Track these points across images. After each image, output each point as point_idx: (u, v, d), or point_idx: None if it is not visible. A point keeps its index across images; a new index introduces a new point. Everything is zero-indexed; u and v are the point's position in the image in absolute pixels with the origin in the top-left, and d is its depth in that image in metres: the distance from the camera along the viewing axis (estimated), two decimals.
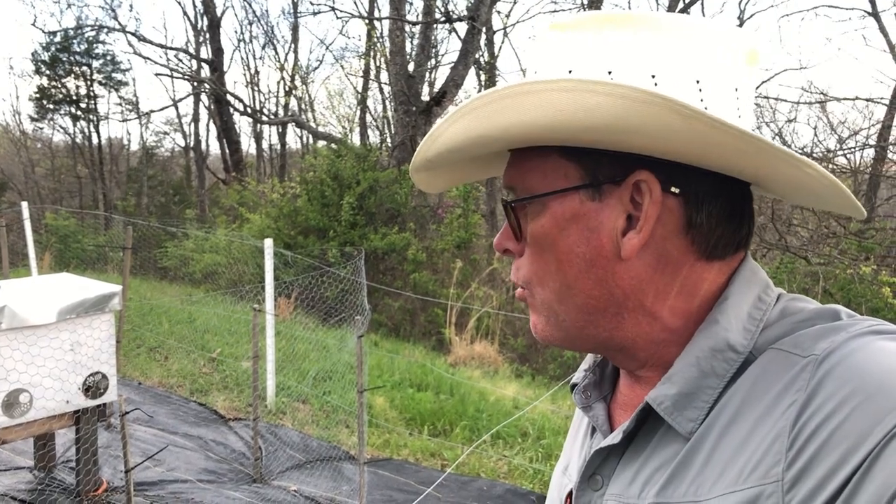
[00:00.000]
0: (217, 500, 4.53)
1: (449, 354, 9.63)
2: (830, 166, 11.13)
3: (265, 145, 25.86)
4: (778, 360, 0.65)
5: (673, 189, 0.69)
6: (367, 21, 17.44)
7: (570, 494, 0.81)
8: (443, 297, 10.81)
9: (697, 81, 0.68)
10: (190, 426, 5.74)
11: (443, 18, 15.97)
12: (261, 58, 40.28)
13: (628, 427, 0.73)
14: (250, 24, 30.05)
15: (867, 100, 12.51)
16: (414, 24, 15.72)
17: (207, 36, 21.56)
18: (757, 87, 0.74)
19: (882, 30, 12.10)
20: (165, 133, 27.36)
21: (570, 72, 0.70)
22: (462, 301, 10.44)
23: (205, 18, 21.65)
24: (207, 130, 27.54)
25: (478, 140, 0.70)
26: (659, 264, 0.71)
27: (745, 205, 0.73)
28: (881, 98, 12.46)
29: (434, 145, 0.75)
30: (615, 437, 0.75)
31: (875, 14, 12.21)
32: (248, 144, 27.63)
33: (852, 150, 13.46)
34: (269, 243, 6.62)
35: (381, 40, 18.10)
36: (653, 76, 0.67)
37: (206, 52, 22.35)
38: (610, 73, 0.68)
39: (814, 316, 0.69)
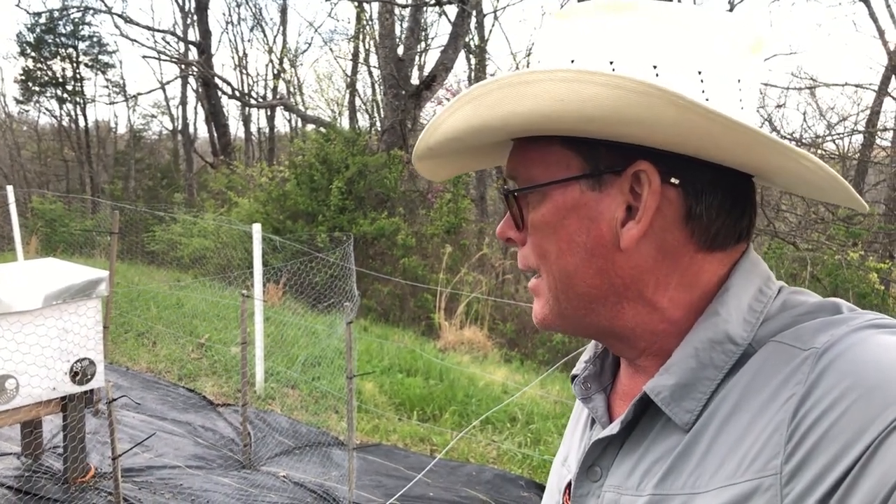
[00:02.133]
0: (206, 485, 4.52)
1: (438, 340, 9.64)
2: (819, 152, 11.16)
3: (253, 129, 25.74)
4: (778, 352, 0.65)
5: (673, 180, 0.69)
6: (356, 3, 17.30)
7: (568, 485, 0.81)
8: (432, 282, 10.80)
9: (699, 72, 0.68)
10: (178, 412, 5.72)
11: (433, 1, 15.87)
12: (249, 40, 40.05)
13: (626, 418, 0.73)
14: (238, 6, 29.84)
15: (856, 86, 12.56)
16: (403, 6, 15.61)
17: (195, 18, 21.35)
18: (761, 78, 0.74)
19: (871, 15, 12.11)
20: (153, 116, 27.21)
21: (572, 61, 0.70)
22: (451, 286, 10.44)
23: (192, 0, 21.45)
24: (195, 114, 27.46)
25: (479, 129, 0.71)
26: (659, 255, 0.71)
27: (747, 196, 0.73)
28: (870, 84, 12.50)
29: (436, 134, 0.75)
30: (613, 428, 0.75)
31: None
32: (236, 128, 27.53)
33: (841, 135, 13.53)
34: (257, 228, 6.59)
35: (370, 23, 17.98)
36: (654, 66, 0.67)
37: (193, 35, 22.14)
38: (612, 62, 0.68)
39: (815, 309, 0.69)
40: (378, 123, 18.61)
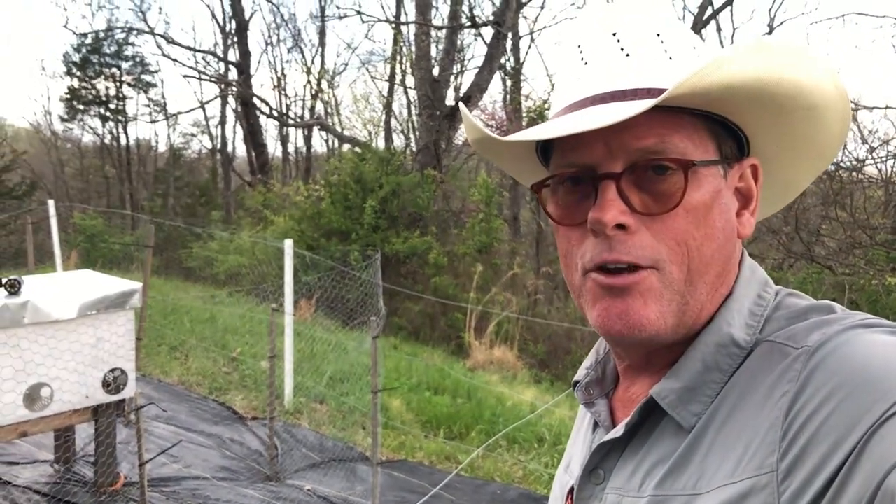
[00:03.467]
0: (232, 497, 4.56)
1: (468, 359, 9.63)
2: (860, 176, 11.00)
3: (291, 148, 26.08)
4: (773, 351, 0.67)
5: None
6: (393, 25, 17.53)
7: (571, 490, 0.81)
8: (463, 301, 10.81)
9: (659, 34, 0.75)
10: (208, 424, 5.79)
11: (468, 23, 16.02)
12: (288, 61, 40.71)
13: (631, 421, 0.74)
14: (278, 27, 30.40)
15: None
16: (440, 28, 15.78)
17: (235, 39, 21.80)
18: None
19: None
20: (192, 135, 27.70)
21: (658, 35, 0.74)
22: (482, 305, 10.44)
23: (233, 21, 21.89)
24: (234, 133, 27.87)
25: (759, 84, 0.68)
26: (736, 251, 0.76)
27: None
28: None
29: (725, 77, 0.66)
30: (618, 432, 0.75)
31: None
32: (273, 147, 27.86)
33: (883, 159, 13.30)
34: (288, 244, 6.68)
35: (406, 45, 18.19)
36: (694, 48, 0.75)
37: (233, 55, 22.59)
38: (658, 35, 0.74)
39: (808, 310, 0.70)
40: (413, 143, 18.76)
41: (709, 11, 15.99)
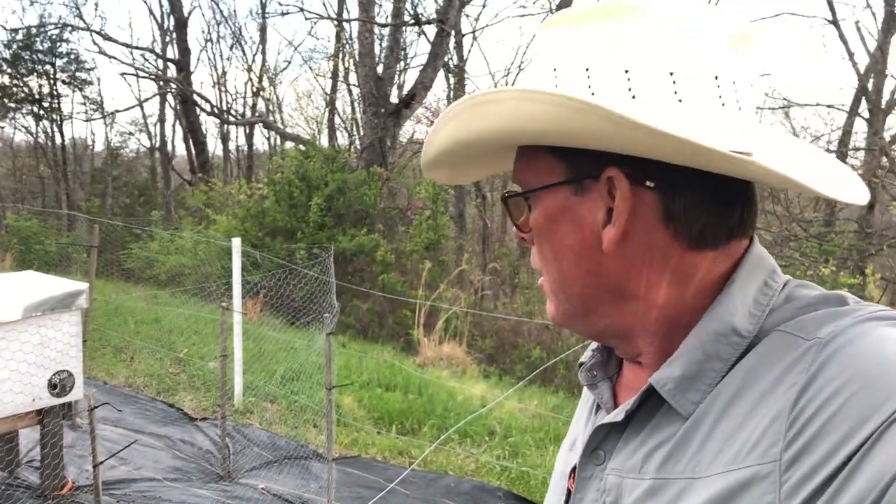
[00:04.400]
0: (185, 498, 4.51)
1: (417, 355, 9.65)
2: None
3: (231, 147, 25.66)
4: (781, 341, 0.66)
5: (648, 183, 0.70)
6: (335, 23, 17.42)
7: (573, 469, 0.83)
8: (411, 297, 10.83)
9: (671, 73, 0.68)
10: (157, 425, 5.70)
11: (412, 21, 16.01)
12: (228, 58, 39.99)
13: (631, 408, 0.75)
14: (218, 24, 29.88)
15: (828, 106, 12.81)
16: (383, 26, 15.76)
17: (174, 36, 21.35)
18: (752, 74, 0.73)
19: (841, 38, 12.39)
20: (130, 133, 26.93)
21: (554, 70, 0.73)
22: (431, 302, 10.47)
23: (171, 18, 21.45)
24: (173, 131, 27.15)
25: (465, 143, 0.75)
26: (646, 255, 0.72)
27: (736, 192, 0.72)
28: (842, 105, 12.78)
29: (431, 148, 0.80)
30: (617, 416, 0.76)
31: (835, 22, 12.50)
32: (214, 146, 27.42)
33: None
34: (236, 242, 6.61)
35: (349, 42, 18.09)
36: (626, 71, 0.69)
37: (172, 53, 22.14)
38: (587, 69, 0.71)
39: (820, 301, 0.69)
40: (357, 141, 18.68)
41: None
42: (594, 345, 0.91)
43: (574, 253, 0.75)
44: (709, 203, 0.71)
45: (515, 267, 12.83)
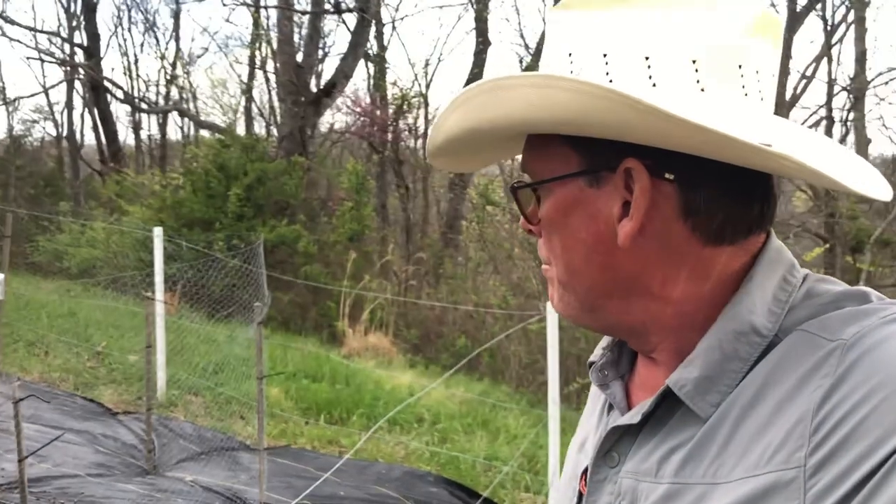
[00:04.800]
0: (109, 493, 4.39)
1: (343, 346, 9.62)
2: None
3: (144, 136, 24.87)
4: (804, 342, 0.64)
5: (667, 175, 0.67)
6: (253, 10, 17.09)
7: (585, 471, 0.80)
8: (335, 289, 10.77)
9: (694, 61, 0.67)
10: (76, 421, 5.51)
11: (332, 9, 15.86)
12: (141, 45, 38.64)
13: (648, 409, 0.72)
14: (129, 9, 28.81)
15: None
16: (303, 13, 15.56)
17: (82, 20, 20.52)
18: (774, 64, 0.72)
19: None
20: (35, 121, 25.78)
21: (569, 55, 0.71)
22: (355, 293, 10.44)
23: (79, 1, 20.62)
24: (82, 120, 26.10)
25: (473, 130, 0.72)
26: (663, 250, 0.70)
27: (755, 185, 0.70)
28: None
29: (439, 136, 0.76)
30: (633, 418, 0.74)
31: None
32: (125, 135, 26.55)
33: None
34: (158, 231, 6.45)
35: (268, 30, 17.78)
36: (646, 58, 0.67)
37: (80, 38, 21.28)
38: (605, 55, 0.68)
39: (841, 298, 0.67)
40: (275, 130, 18.39)
41: None
42: (604, 343, 0.88)
43: (586, 247, 0.72)
44: (729, 197, 0.68)
45: (440, 257, 12.90)
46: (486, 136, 0.74)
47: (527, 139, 0.77)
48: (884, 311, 0.62)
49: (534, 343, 9.37)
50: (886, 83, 12.46)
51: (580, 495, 0.80)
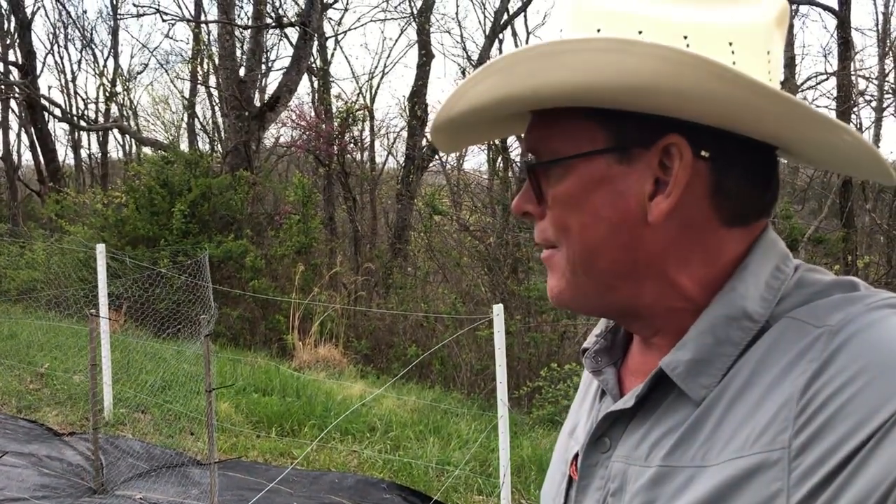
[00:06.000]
0: None
1: (292, 360, 9.57)
2: None
3: (84, 154, 24.39)
4: (792, 329, 0.65)
5: (703, 153, 0.67)
6: (193, 25, 16.94)
7: (575, 456, 0.81)
8: (284, 303, 10.71)
9: (730, 43, 0.67)
10: (19, 444, 5.40)
11: (273, 24, 15.81)
12: (78, 62, 37.87)
13: (642, 392, 0.72)
14: (65, 26, 28.25)
15: None
16: (244, 28, 15.46)
17: (16, 38, 20.06)
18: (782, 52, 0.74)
19: None
20: None
21: (598, 31, 0.68)
22: (304, 306, 10.40)
23: (13, 19, 20.15)
24: (18, 139, 25.47)
25: (503, 100, 0.70)
26: (683, 230, 0.70)
27: (771, 170, 0.72)
28: None
29: (458, 104, 0.73)
30: (627, 402, 0.74)
31: None
32: (64, 154, 25.92)
33: None
34: (100, 248, 6.37)
35: (209, 45, 17.63)
36: (685, 37, 0.66)
37: (14, 56, 20.78)
38: (640, 32, 0.67)
39: (830, 286, 0.68)
40: (219, 145, 18.23)
41: (504, 17, 16.83)
42: (598, 330, 0.88)
43: (611, 225, 0.70)
44: (754, 179, 0.70)
45: (389, 267, 12.92)
46: (503, 110, 0.72)
47: (536, 116, 0.75)
48: (870, 298, 0.64)
49: (484, 350, 9.47)
50: (814, 87, 12.93)
51: (570, 480, 0.81)
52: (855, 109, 11.39)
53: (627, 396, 0.74)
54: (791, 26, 12.49)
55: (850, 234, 10.02)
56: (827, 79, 12.61)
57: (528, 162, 0.75)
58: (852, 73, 10.93)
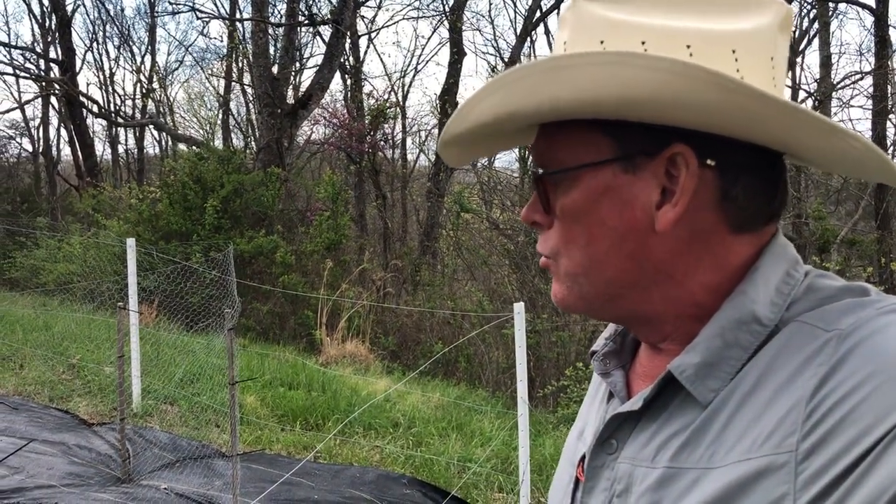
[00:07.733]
0: (83, 502, 4.42)
1: (320, 355, 9.66)
2: None
3: (121, 150, 24.84)
4: (801, 332, 0.65)
5: (709, 161, 0.68)
6: (228, 23, 17.14)
7: (582, 458, 0.81)
8: (313, 298, 10.81)
9: (734, 51, 0.67)
10: (51, 432, 5.53)
11: (306, 21, 15.94)
12: (116, 59, 38.51)
13: (650, 395, 0.73)
14: (104, 23, 28.75)
15: None
16: (277, 25, 15.62)
17: (57, 35, 20.48)
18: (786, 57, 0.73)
19: None
20: (11, 137, 25.66)
21: (601, 42, 0.69)
22: (332, 302, 10.49)
23: (53, 17, 20.57)
24: (58, 135, 26.01)
25: (509, 116, 0.70)
26: (691, 237, 0.70)
27: (779, 175, 0.72)
28: None
29: (465, 122, 0.73)
30: (635, 404, 0.74)
31: None
32: (102, 149, 26.40)
33: None
34: (131, 242, 6.49)
35: (243, 42, 17.83)
36: (688, 46, 0.66)
37: (55, 53, 21.22)
38: (644, 43, 0.67)
39: (841, 291, 0.68)
40: (253, 142, 18.42)
41: (536, 15, 16.78)
42: (607, 332, 0.89)
43: (617, 235, 0.71)
44: (761, 185, 0.70)
45: (417, 265, 12.97)
46: (512, 124, 0.72)
47: (542, 129, 0.76)
48: (880, 303, 0.64)
49: (511, 348, 9.44)
50: (850, 86, 12.70)
51: (577, 481, 0.81)
52: (892, 107, 11.17)
53: (635, 398, 0.75)
54: (827, 24, 12.39)
55: (884, 235, 9.83)
56: (863, 77, 12.36)
57: (536, 172, 0.76)
58: (889, 71, 10.72)
